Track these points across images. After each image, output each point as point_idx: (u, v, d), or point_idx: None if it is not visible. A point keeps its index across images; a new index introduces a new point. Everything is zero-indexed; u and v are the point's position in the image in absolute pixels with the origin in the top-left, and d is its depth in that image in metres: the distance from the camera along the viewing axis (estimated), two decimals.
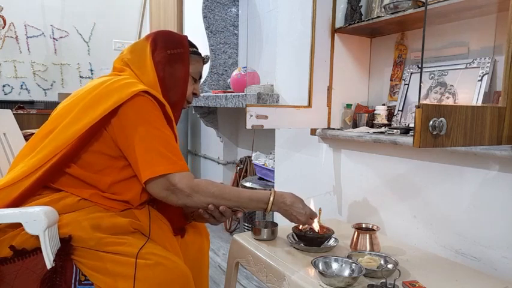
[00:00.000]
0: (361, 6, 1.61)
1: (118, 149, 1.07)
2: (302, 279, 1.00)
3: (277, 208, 1.13)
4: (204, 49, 3.12)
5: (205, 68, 3.23)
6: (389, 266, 1.03)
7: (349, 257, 1.08)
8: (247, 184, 2.50)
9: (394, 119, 1.55)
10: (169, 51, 1.19)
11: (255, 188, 2.42)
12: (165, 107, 1.12)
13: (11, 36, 4.04)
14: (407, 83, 1.54)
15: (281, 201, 1.13)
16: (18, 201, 1.01)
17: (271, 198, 1.11)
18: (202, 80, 3.21)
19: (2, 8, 3.73)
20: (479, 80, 1.27)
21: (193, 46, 1.26)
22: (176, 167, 1.05)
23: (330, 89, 1.66)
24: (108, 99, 1.04)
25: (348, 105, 1.68)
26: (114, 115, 1.05)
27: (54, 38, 4.23)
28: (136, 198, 1.12)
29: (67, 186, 1.06)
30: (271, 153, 2.59)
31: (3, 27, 3.85)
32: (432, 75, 1.43)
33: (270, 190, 1.14)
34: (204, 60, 1.29)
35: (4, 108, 1.67)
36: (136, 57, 1.19)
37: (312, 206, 1.23)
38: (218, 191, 1.09)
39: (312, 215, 1.17)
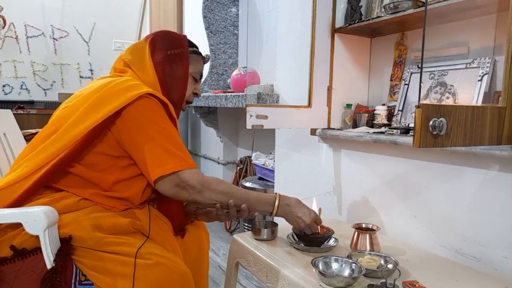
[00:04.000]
0: (361, 6, 1.61)
1: (121, 149, 1.08)
2: (302, 279, 1.00)
3: (282, 211, 1.15)
4: (204, 49, 3.12)
5: (206, 68, 3.22)
6: (389, 266, 1.04)
7: (349, 257, 1.08)
8: (247, 184, 2.50)
9: (394, 119, 1.55)
10: (169, 51, 1.20)
11: (255, 188, 2.42)
12: (168, 107, 1.14)
13: (11, 36, 4.04)
14: (407, 83, 1.54)
15: (286, 203, 1.16)
16: (20, 201, 1.01)
17: (277, 202, 1.14)
18: (202, 80, 3.21)
19: (2, 8, 3.73)
20: (479, 80, 1.27)
21: (193, 46, 1.27)
22: (185, 164, 1.06)
23: (330, 89, 1.66)
24: (112, 101, 1.04)
25: (348, 105, 1.68)
26: (119, 116, 1.05)
27: (54, 38, 4.23)
28: (137, 196, 1.12)
29: (68, 186, 1.06)
30: (271, 153, 2.59)
31: (3, 27, 3.85)
32: (432, 75, 1.43)
33: (275, 194, 1.16)
34: (204, 60, 1.30)
35: (4, 108, 1.67)
36: (136, 58, 1.20)
37: (314, 206, 1.24)
38: (228, 189, 1.12)
39: (316, 219, 1.18)
